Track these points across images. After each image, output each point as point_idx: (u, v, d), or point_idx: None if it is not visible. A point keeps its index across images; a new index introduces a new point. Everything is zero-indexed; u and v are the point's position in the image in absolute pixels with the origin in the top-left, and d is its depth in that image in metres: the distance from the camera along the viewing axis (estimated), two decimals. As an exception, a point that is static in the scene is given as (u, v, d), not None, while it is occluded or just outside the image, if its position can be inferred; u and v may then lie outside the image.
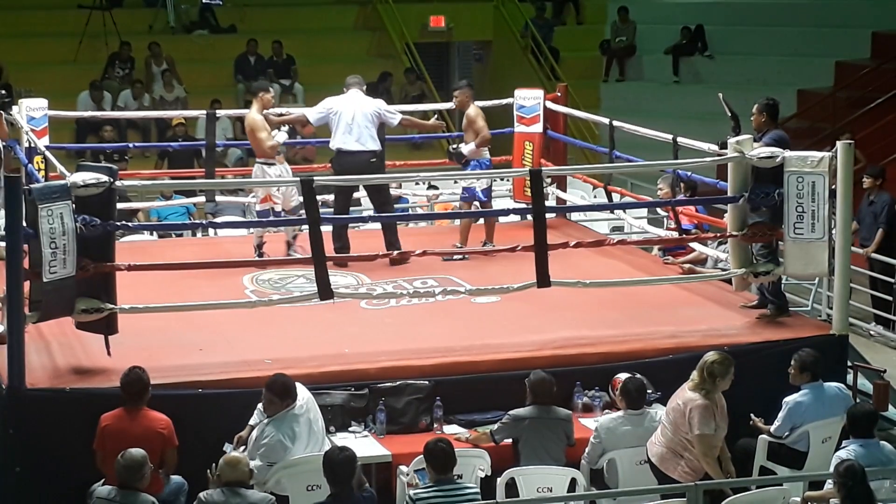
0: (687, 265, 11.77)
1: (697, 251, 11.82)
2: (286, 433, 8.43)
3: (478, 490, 8.05)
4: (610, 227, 14.68)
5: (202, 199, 13.81)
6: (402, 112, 12.82)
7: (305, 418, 8.55)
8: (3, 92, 12.22)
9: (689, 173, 11.51)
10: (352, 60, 21.45)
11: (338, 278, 10.96)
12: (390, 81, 21.01)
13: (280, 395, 8.53)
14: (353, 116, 11.89)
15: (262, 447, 8.42)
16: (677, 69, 23.41)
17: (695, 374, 8.60)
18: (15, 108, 12.40)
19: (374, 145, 11.95)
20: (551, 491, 8.40)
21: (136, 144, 17.45)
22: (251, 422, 8.67)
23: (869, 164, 15.42)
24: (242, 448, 8.52)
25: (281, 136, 11.88)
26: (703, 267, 11.74)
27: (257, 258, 11.60)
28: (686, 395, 8.56)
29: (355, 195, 14.62)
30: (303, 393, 8.65)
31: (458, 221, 13.05)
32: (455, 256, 11.93)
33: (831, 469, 8.02)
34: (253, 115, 11.92)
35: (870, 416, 8.62)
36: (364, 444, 8.84)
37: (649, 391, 9.14)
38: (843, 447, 8.42)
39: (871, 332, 12.85)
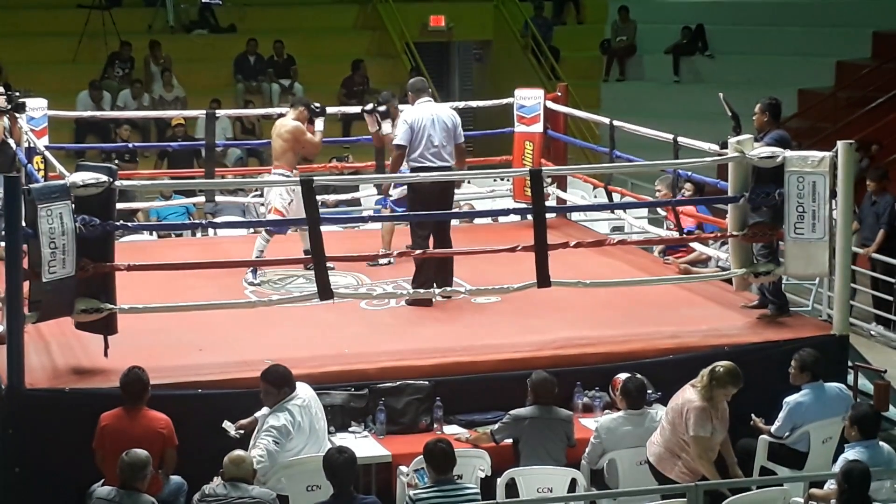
0: (683, 265, 11.76)
1: (698, 251, 11.81)
2: (287, 420, 8.42)
3: (478, 490, 8.04)
4: (610, 227, 14.67)
5: (202, 199, 13.80)
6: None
7: (307, 413, 8.54)
8: (18, 93, 12.09)
9: (689, 173, 11.50)
10: (352, 60, 21.43)
11: (338, 278, 10.97)
12: (363, 68, 20.99)
13: (275, 384, 8.54)
14: (433, 130, 10.77)
15: (263, 432, 8.42)
16: (678, 69, 23.41)
17: (701, 374, 8.59)
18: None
19: (452, 160, 10.89)
20: (551, 491, 8.40)
21: (136, 144, 17.42)
22: (257, 414, 8.67)
23: (872, 166, 15.46)
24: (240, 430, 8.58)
25: (320, 123, 11.68)
26: (703, 267, 11.73)
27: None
28: (686, 395, 8.56)
29: (357, 195, 14.63)
30: (307, 391, 8.65)
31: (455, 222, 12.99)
32: (381, 261, 11.38)
33: (833, 469, 8.02)
34: (296, 122, 11.60)
35: (873, 417, 8.61)
36: (364, 445, 8.84)
37: (649, 391, 9.14)
38: (847, 450, 8.40)
39: (872, 333, 12.84)
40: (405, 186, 11.09)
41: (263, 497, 7.88)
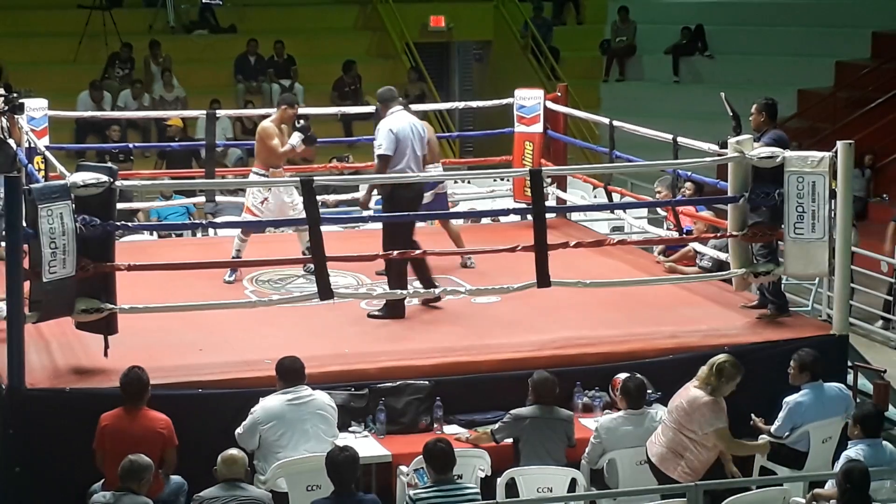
0: (669, 264, 11.77)
1: (685, 250, 11.81)
2: (268, 406, 8.49)
3: (478, 490, 8.05)
4: (610, 227, 14.69)
5: (202, 199, 13.82)
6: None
7: (296, 411, 8.54)
8: (17, 94, 12.09)
9: (689, 173, 11.51)
10: (343, 61, 21.43)
11: (338, 278, 10.97)
12: (355, 69, 21.01)
13: (281, 376, 8.67)
14: (414, 139, 10.57)
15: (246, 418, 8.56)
16: (677, 69, 23.45)
17: (702, 371, 8.57)
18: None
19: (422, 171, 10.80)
20: (551, 491, 8.41)
21: (136, 145, 17.45)
22: None
23: None
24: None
25: (295, 138, 11.43)
26: (696, 262, 11.70)
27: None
28: (691, 393, 8.54)
29: (357, 195, 14.63)
30: (314, 394, 8.68)
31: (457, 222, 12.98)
32: (470, 263, 11.66)
33: (834, 468, 8.02)
34: (268, 123, 11.53)
35: (877, 416, 8.62)
36: (364, 444, 8.85)
37: (649, 391, 9.15)
38: (850, 447, 8.42)
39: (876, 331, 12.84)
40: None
41: (263, 498, 7.90)
